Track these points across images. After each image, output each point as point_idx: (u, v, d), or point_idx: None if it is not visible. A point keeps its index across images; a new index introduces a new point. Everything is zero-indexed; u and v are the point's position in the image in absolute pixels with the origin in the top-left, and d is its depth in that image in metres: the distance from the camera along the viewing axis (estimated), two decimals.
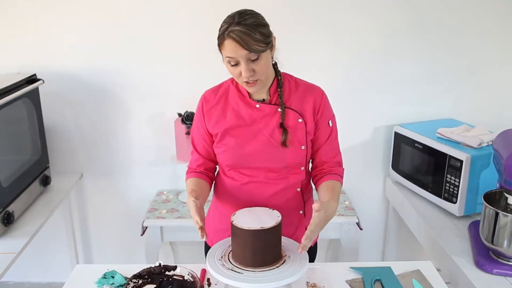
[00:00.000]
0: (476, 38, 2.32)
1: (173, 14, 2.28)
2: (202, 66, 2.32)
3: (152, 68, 2.36)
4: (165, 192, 2.52)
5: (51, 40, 2.31)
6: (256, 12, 1.30)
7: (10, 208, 1.94)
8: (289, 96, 1.42)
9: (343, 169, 1.51)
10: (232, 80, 1.45)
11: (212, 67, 2.25)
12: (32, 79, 2.18)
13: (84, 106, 2.43)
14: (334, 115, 1.48)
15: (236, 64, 1.29)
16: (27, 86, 2.09)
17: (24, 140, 2.19)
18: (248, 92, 1.41)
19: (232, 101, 1.43)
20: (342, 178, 1.47)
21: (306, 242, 1.22)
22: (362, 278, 1.40)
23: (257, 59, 1.28)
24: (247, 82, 1.32)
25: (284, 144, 1.38)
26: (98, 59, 2.34)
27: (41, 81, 2.20)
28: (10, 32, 2.30)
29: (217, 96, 1.45)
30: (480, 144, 1.95)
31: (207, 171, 1.52)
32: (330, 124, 1.45)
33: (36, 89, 2.19)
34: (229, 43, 1.25)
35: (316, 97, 1.43)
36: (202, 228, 1.26)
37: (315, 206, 1.23)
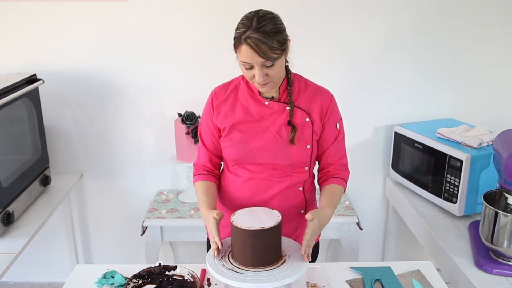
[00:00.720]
0: (476, 38, 2.32)
1: (172, 14, 2.28)
2: (202, 66, 2.32)
3: (152, 67, 2.36)
4: (165, 192, 2.52)
5: (51, 40, 2.31)
6: (274, 16, 1.29)
7: (10, 208, 1.94)
8: (298, 95, 1.43)
9: (349, 172, 1.52)
10: (242, 77, 1.46)
11: (212, 67, 2.27)
12: (32, 79, 2.18)
13: (84, 106, 2.43)
14: (341, 118, 1.49)
15: (251, 67, 1.30)
16: (27, 86, 2.09)
17: (24, 140, 2.19)
18: (258, 89, 1.42)
19: (242, 97, 1.45)
20: (346, 182, 1.49)
21: (308, 250, 1.26)
22: (362, 278, 1.40)
23: (272, 65, 1.29)
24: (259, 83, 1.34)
25: (292, 141, 1.39)
26: (98, 59, 2.34)
27: (41, 81, 2.20)
28: (10, 32, 2.31)
29: (227, 92, 1.46)
30: (480, 144, 1.95)
31: (214, 169, 1.53)
32: (338, 127, 1.47)
33: (36, 89, 2.19)
34: (245, 49, 1.26)
35: (324, 99, 1.44)
36: (219, 250, 1.28)
37: (307, 216, 1.28)
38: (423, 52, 2.34)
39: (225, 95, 1.46)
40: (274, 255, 1.27)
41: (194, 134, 2.25)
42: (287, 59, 1.40)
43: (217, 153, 1.51)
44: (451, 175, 1.97)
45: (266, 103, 1.42)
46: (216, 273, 1.23)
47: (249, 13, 1.30)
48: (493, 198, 1.65)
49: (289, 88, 1.42)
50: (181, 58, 2.34)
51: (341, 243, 2.33)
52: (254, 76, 1.31)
